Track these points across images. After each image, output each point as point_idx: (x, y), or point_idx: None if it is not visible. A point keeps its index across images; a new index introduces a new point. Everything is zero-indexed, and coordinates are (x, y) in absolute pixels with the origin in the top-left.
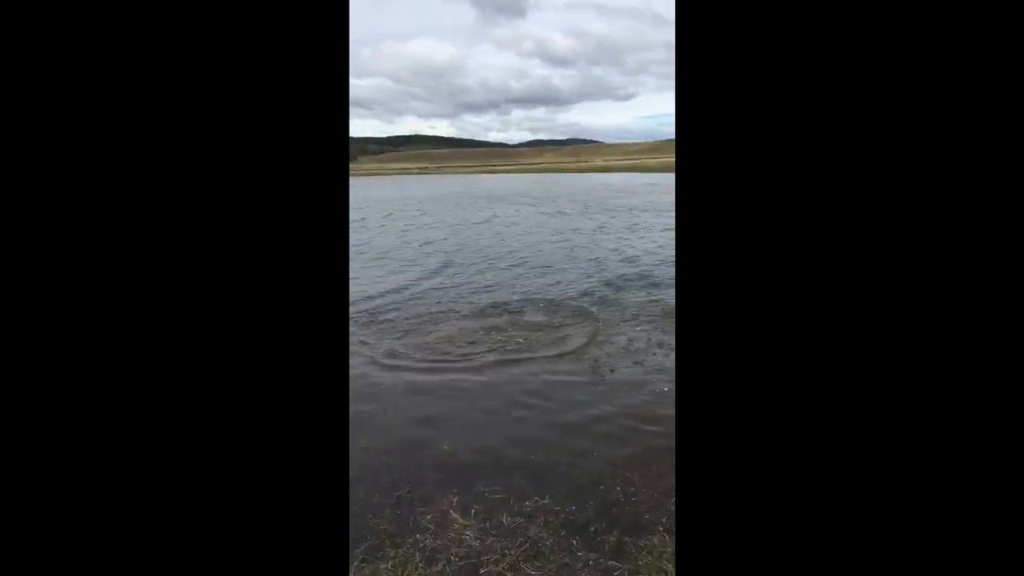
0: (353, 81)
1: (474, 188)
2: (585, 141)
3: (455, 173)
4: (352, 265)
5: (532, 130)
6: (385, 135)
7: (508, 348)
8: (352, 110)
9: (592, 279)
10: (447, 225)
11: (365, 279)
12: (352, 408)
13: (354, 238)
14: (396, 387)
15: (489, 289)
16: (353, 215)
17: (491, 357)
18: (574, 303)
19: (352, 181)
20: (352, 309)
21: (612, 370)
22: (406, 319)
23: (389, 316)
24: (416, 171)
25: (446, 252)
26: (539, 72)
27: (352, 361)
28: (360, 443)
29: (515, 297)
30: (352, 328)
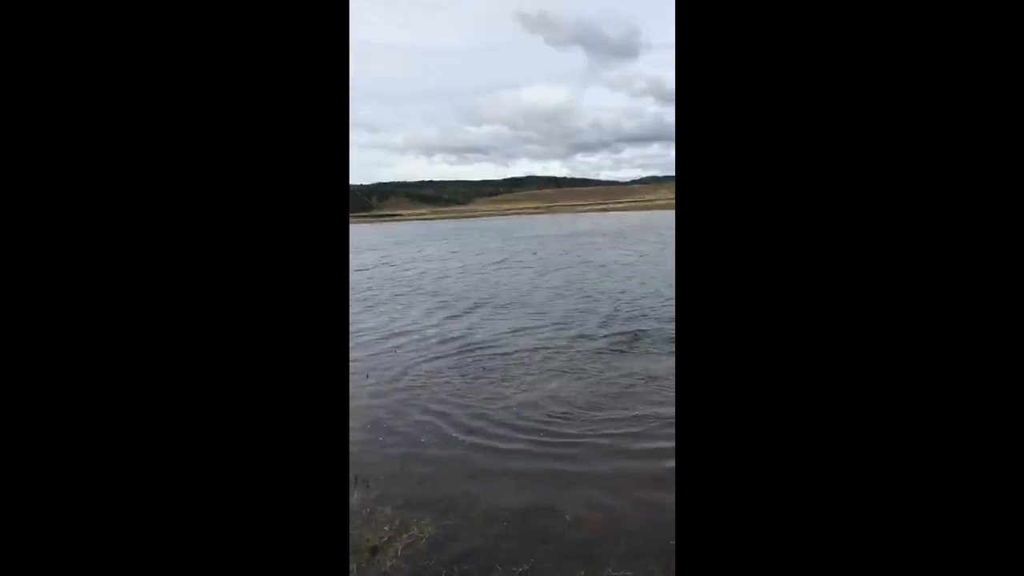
0: (470, 128)
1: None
2: None
3: (567, 212)
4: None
5: (644, 167)
6: (500, 177)
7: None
8: (469, 156)
9: None
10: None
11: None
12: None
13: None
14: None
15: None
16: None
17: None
18: None
19: (465, 222)
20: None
21: None
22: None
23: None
24: (530, 211)
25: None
26: (652, 110)
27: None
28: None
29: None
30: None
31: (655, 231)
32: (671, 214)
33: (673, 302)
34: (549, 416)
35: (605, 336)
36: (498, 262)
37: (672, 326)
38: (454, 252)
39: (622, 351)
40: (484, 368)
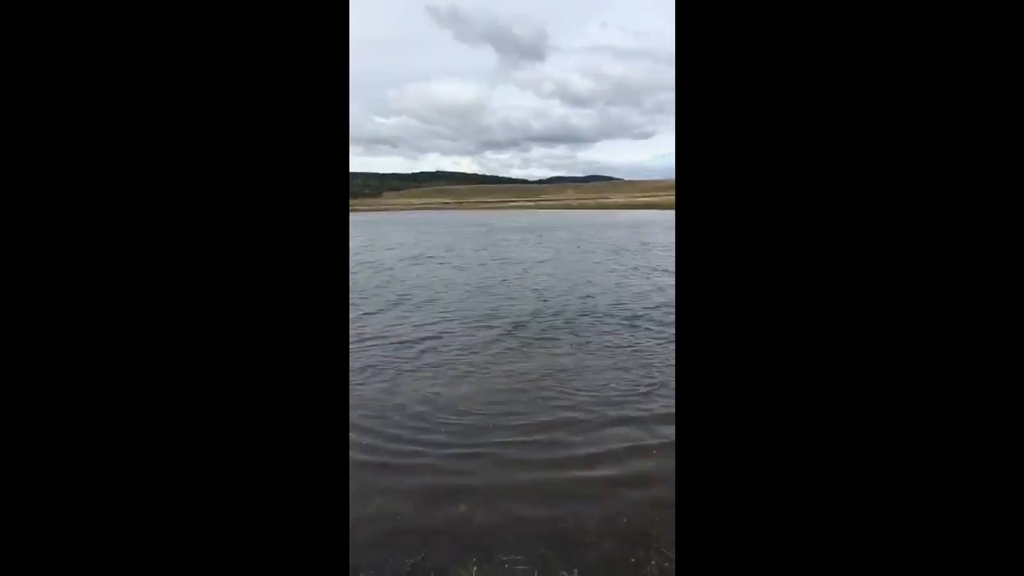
0: (379, 120)
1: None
2: (604, 178)
3: (477, 208)
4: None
5: (552, 167)
6: (409, 171)
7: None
8: (378, 147)
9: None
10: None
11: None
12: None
13: None
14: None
15: None
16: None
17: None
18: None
19: (378, 216)
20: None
21: None
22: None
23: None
24: (440, 206)
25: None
26: (559, 112)
27: None
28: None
29: None
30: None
31: (564, 229)
32: (578, 214)
33: (592, 298)
34: (455, 415)
35: (522, 332)
36: (414, 256)
37: (584, 321)
38: (366, 246)
39: (540, 346)
40: (391, 368)
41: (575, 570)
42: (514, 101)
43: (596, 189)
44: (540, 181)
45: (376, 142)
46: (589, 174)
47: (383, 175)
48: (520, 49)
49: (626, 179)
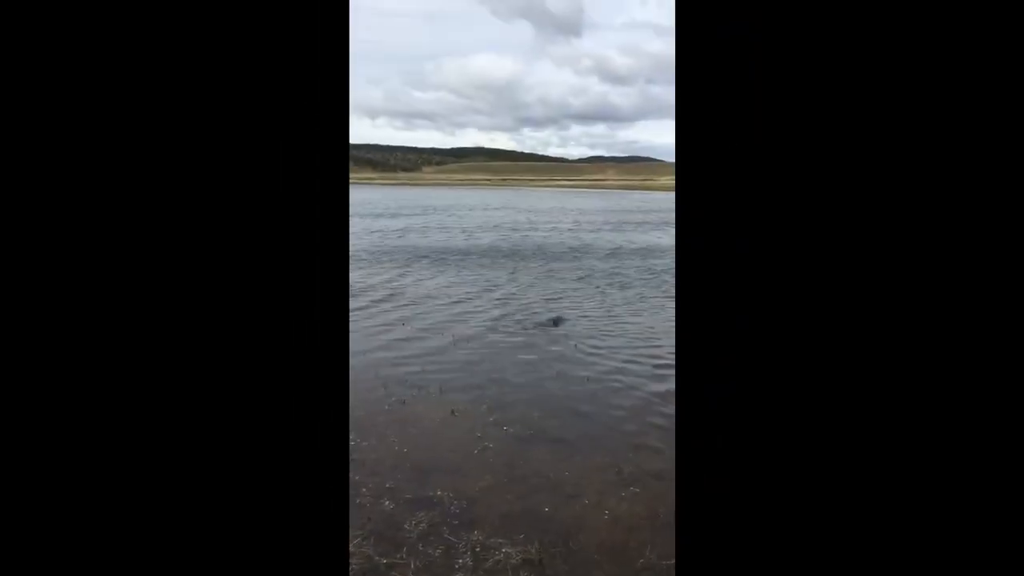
0: (416, 94)
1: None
2: (645, 159)
3: (519, 186)
4: None
5: (591, 146)
6: (447, 147)
7: None
8: (415, 121)
9: None
10: None
11: None
12: None
13: None
14: None
15: None
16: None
17: None
18: None
19: (423, 191)
20: None
21: None
22: None
23: None
24: (482, 183)
25: None
26: (597, 89)
27: None
28: None
29: None
30: None
31: (642, 212)
32: (632, 195)
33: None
34: None
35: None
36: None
37: None
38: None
39: None
40: None
41: None
42: (551, 78)
43: (638, 170)
44: (579, 160)
45: (413, 116)
46: (630, 154)
47: (420, 149)
48: (556, 24)
49: (667, 160)
